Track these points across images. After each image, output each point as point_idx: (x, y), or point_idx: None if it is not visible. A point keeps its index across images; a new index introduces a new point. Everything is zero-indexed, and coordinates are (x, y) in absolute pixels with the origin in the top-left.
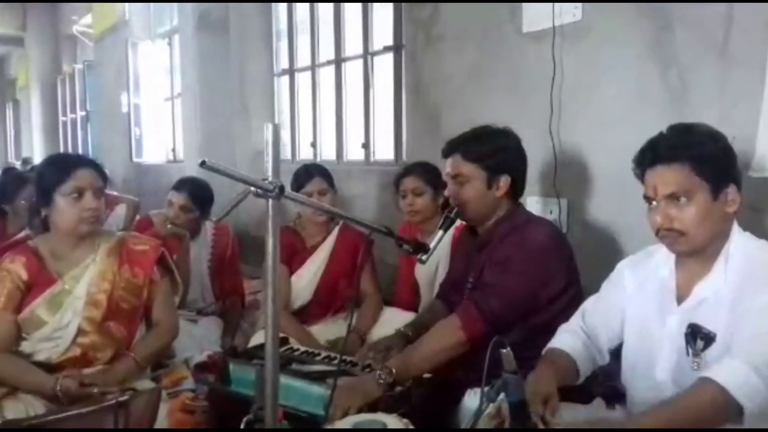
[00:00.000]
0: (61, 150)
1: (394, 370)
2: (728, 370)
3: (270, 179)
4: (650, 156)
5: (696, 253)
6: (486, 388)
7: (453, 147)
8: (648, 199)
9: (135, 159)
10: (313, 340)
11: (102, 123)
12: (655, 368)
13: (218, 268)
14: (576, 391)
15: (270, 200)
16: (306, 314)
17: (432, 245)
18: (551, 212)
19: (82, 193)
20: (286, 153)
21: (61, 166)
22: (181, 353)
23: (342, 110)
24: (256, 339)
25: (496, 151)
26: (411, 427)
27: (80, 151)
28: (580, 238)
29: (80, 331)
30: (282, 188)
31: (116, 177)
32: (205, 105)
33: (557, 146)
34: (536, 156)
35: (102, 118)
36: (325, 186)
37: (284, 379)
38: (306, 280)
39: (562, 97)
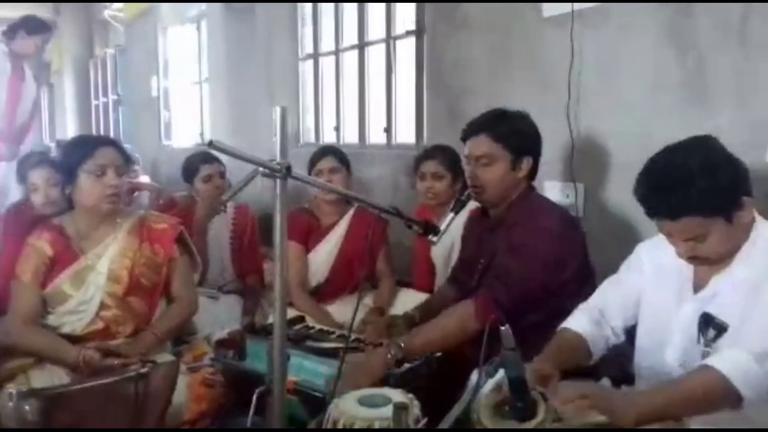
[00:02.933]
0: (93, 133)
1: (402, 345)
2: (729, 359)
3: (278, 160)
4: (656, 212)
5: None
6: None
7: (479, 127)
8: (663, 232)
9: (164, 142)
10: (330, 319)
11: (132, 107)
12: (665, 353)
13: (239, 248)
14: (584, 372)
15: (278, 180)
16: (322, 293)
17: (442, 227)
18: (568, 197)
19: (104, 171)
20: (310, 137)
21: (84, 144)
22: (202, 330)
23: (365, 94)
24: None
25: (521, 132)
26: (416, 402)
27: (111, 135)
28: (597, 224)
29: (103, 305)
30: (289, 168)
31: (146, 160)
32: (231, 89)
33: (575, 131)
34: (554, 141)
35: (132, 102)
36: (335, 165)
37: (297, 356)
38: (321, 258)
39: (581, 82)
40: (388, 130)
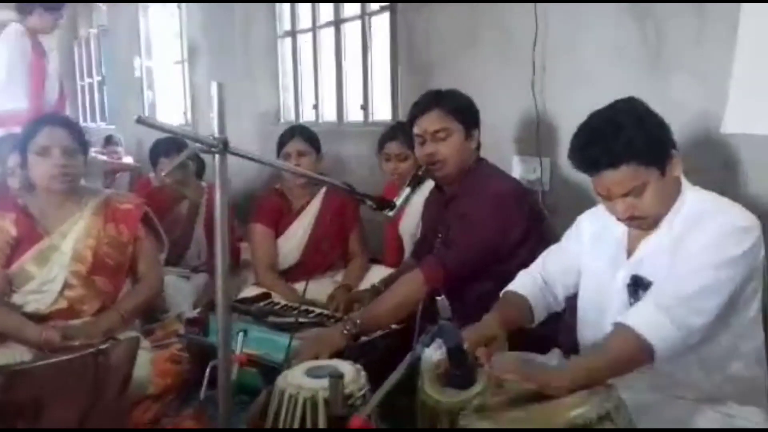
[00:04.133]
0: (79, 114)
1: (358, 321)
2: (639, 313)
3: (216, 135)
4: (596, 162)
5: None
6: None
7: (428, 105)
8: (601, 190)
9: None
10: (297, 296)
11: (117, 87)
12: (605, 320)
13: (213, 228)
14: (535, 341)
15: (216, 156)
16: (295, 274)
17: (398, 202)
18: (534, 171)
19: (48, 151)
20: (289, 116)
21: (32, 125)
22: (175, 308)
23: (342, 72)
24: (244, 294)
25: (466, 105)
26: (363, 373)
27: (97, 115)
28: (563, 197)
29: (67, 285)
30: (226, 143)
31: (131, 140)
32: (212, 68)
33: (540, 105)
34: (520, 116)
35: (117, 82)
36: (303, 147)
37: (258, 330)
38: (294, 241)
39: (545, 55)
40: (365, 107)
